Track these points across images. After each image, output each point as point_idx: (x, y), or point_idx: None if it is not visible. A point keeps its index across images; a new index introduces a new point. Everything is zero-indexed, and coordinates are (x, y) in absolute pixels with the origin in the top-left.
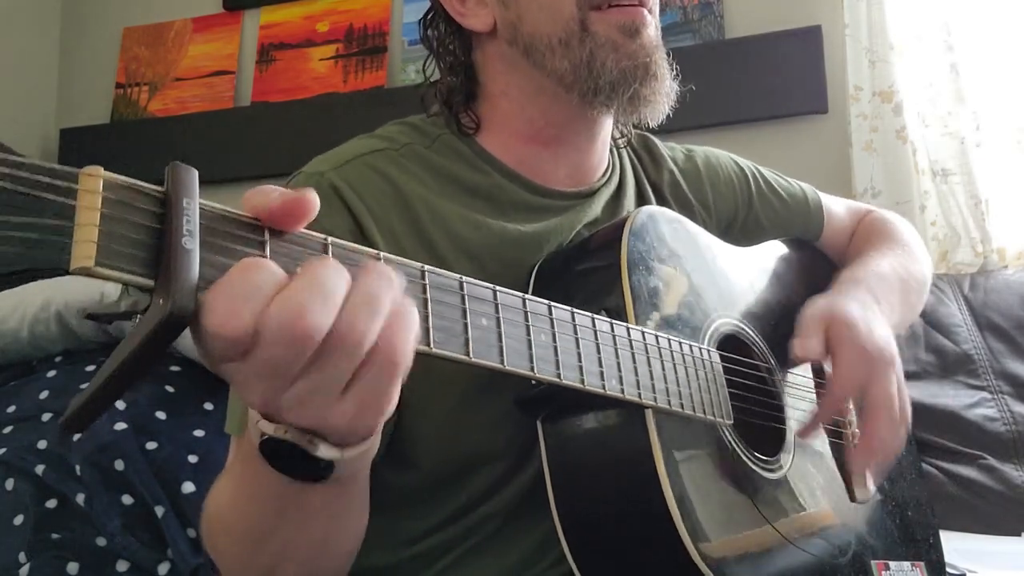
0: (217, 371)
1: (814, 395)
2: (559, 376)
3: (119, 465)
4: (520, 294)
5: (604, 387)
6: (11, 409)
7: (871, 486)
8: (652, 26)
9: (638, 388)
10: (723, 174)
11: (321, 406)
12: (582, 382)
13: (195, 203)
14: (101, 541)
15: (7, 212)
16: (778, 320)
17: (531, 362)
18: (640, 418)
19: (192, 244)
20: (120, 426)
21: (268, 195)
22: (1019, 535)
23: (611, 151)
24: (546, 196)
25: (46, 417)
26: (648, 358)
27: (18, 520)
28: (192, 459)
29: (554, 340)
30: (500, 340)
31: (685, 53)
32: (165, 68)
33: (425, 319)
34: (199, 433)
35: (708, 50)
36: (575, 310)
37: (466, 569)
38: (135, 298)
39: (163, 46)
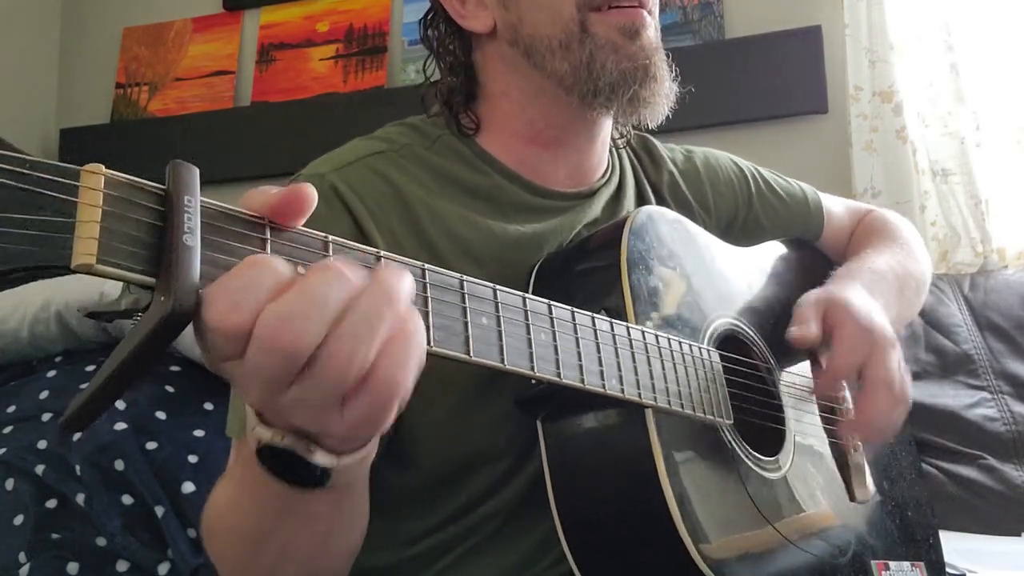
0: (217, 370)
1: (814, 396)
2: (559, 375)
3: (119, 465)
4: (520, 293)
5: (604, 387)
6: (11, 409)
7: (870, 484)
8: (652, 27)
9: (638, 388)
10: (722, 175)
11: (317, 414)
12: (582, 381)
13: (196, 200)
14: (101, 541)
15: (9, 209)
16: (777, 320)
17: (531, 361)
18: (640, 418)
19: (193, 241)
20: (120, 426)
21: (266, 193)
22: (1019, 535)
23: (611, 152)
24: (546, 197)
25: (46, 417)
26: (648, 358)
27: (18, 520)
28: (192, 459)
29: (554, 339)
30: (500, 339)
31: (685, 53)
32: (165, 68)
33: (425, 318)
34: (199, 433)
35: (708, 50)
36: (575, 310)
37: (466, 569)
38: (136, 296)
39: (163, 46)
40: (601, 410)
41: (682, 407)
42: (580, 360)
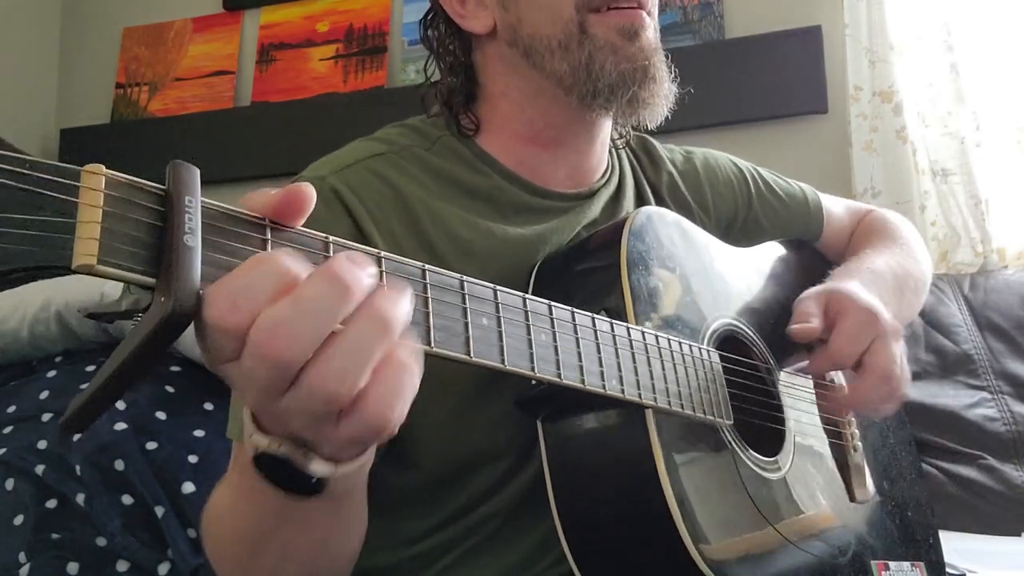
0: (217, 371)
1: (814, 396)
2: (559, 376)
3: (119, 465)
4: (520, 294)
5: (604, 387)
6: (11, 409)
7: (870, 485)
8: (651, 28)
9: (638, 388)
10: (722, 175)
11: (312, 424)
12: (582, 382)
13: (197, 201)
14: (101, 541)
15: (9, 209)
16: (777, 320)
17: (531, 362)
18: (640, 418)
19: (194, 242)
20: (120, 426)
21: (266, 194)
22: (1019, 535)
23: (610, 152)
24: (546, 197)
25: (46, 417)
26: (648, 358)
27: (18, 520)
28: (192, 459)
29: (554, 340)
30: (501, 340)
31: (685, 53)
32: (165, 68)
33: (425, 318)
34: (199, 433)
35: (708, 50)
36: (575, 310)
37: (466, 569)
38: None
39: (163, 46)
40: (601, 410)
41: (682, 407)
42: (580, 361)
